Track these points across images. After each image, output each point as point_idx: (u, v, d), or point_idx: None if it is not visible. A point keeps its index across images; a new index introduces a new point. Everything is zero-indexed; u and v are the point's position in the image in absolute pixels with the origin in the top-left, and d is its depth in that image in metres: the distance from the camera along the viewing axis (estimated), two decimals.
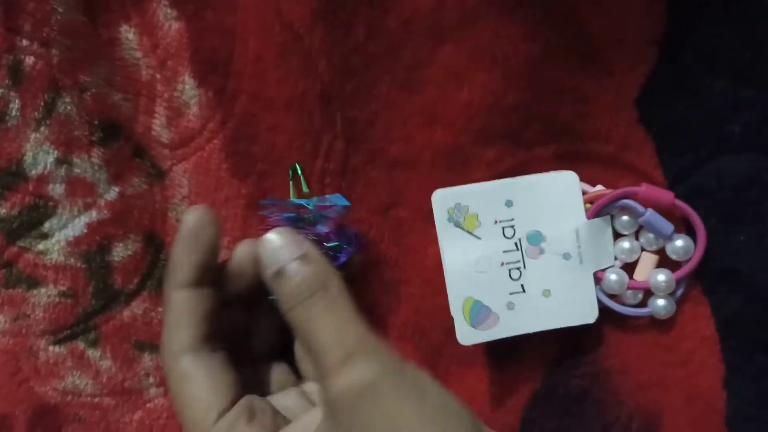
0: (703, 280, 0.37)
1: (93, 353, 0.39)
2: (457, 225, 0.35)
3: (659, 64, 0.36)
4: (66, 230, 0.38)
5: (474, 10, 0.36)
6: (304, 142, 0.37)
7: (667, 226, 0.36)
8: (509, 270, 0.35)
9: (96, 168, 0.38)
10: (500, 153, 0.37)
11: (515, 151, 0.37)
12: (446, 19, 0.36)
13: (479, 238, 0.35)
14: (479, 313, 0.35)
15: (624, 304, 0.37)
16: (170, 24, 0.37)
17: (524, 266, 0.35)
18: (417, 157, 0.37)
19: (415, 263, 0.38)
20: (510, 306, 0.35)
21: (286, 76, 0.37)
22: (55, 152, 0.38)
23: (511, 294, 0.35)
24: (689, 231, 0.36)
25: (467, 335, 0.34)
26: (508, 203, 0.35)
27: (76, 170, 0.38)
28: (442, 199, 0.35)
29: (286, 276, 0.29)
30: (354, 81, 0.37)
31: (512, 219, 0.35)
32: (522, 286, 0.35)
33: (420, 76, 0.37)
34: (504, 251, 0.35)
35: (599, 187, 0.37)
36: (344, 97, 0.37)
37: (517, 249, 0.35)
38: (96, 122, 0.37)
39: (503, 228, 0.35)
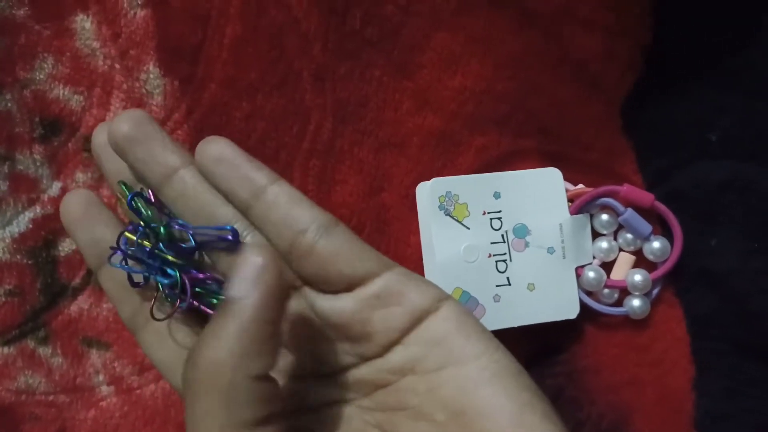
0: (677, 281, 0.37)
1: (43, 351, 0.37)
2: (447, 213, 0.35)
3: (645, 72, 0.37)
4: (11, 227, 0.36)
5: (468, 0, 0.36)
6: (292, 123, 0.36)
7: (646, 227, 0.36)
8: (496, 262, 0.35)
9: (38, 164, 0.36)
10: (487, 142, 0.37)
11: (501, 140, 0.37)
12: (442, 7, 0.36)
13: (468, 228, 0.35)
14: (467, 304, 0.34)
15: (600, 303, 0.37)
16: (135, 12, 0.36)
17: (510, 259, 0.35)
18: (405, 142, 0.37)
19: (397, 253, 0.37)
20: (496, 298, 0.35)
21: (279, 57, 0.36)
22: None
23: (497, 286, 0.35)
24: (665, 234, 0.37)
25: None
26: (496, 195, 0.35)
27: (19, 166, 0.36)
28: (436, 187, 0.34)
29: None
30: (348, 64, 0.36)
31: (500, 211, 0.35)
32: (508, 278, 0.35)
33: (414, 62, 0.36)
34: (491, 243, 0.35)
35: (580, 186, 0.37)
36: (337, 78, 0.36)
37: (504, 241, 0.35)
38: (37, 119, 0.36)
39: (491, 219, 0.35)
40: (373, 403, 0.28)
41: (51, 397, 0.37)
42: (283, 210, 0.27)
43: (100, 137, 0.30)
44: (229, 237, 0.28)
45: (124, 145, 0.28)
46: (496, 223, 0.35)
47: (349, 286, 0.27)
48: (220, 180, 0.28)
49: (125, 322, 0.31)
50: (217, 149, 0.27)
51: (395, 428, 0.27)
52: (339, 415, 0.28)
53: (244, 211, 0.28)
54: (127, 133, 0.28)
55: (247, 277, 0.24)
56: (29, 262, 0.36)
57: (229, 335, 0.24)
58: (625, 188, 0.36)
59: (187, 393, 0.24)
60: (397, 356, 0.27)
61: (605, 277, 0.37)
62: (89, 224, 0.30)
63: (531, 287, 0.35)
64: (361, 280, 0.27)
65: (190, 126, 0.36)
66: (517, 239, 0.36)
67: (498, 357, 0.26)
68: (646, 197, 0.36)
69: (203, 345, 0.24)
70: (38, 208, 0.36)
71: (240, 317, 0.24)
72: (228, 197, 0.28)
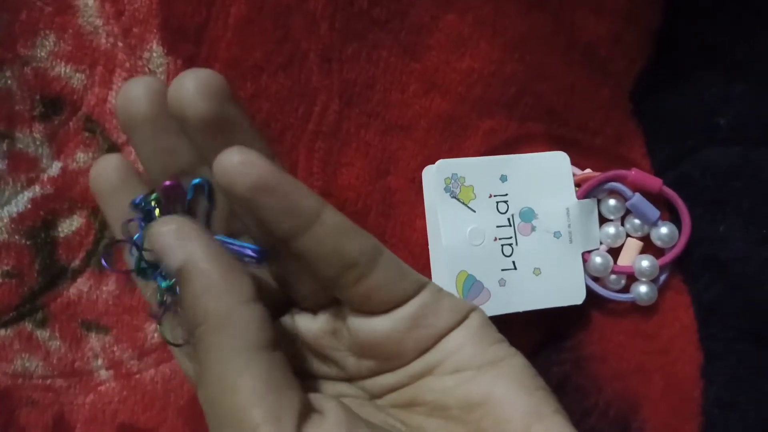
0: (685, 268, 0.37)
1: (41, 334, 0.36)
2: (453, 196, 0.34)
3: (654, 57, 0.37)
4: (9, 207, 0.36)
5: None
6: (297, 104, 0.36)
7: (653, 212, 0.36)
8: (502, 246, 0.35)
9: (38, 143, 0.36)
10: (495, 125, 0.37)
11: (509, 123, 0.37)
12: None
13: (474, 211, 0.34)
14: (472, 288, 0.34)
15: (607, 289, 0.37)
16: None
17: (516, 243, 0.35)
18: (413, 124, 0.36)
19: (403, 237, 0.37)
20: (501, 283, 0.34)
21: (285, 37, 0.35)
22: None
23: (503, 270, 0.34)
24: (673, 220, 0.37)
25: None
26: (503, 178, 0.35)
27: (19, 145, 0.35)
28: (442, 169, 0.34)
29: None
30: (355, 44, 0.36)
31: (506, 194, 0.35)
32: (513, 262, 0.35)
33: (422, 44, 0.36)
34: (497, 226, 0.35)
35: (588, 171, 0.37)
36: (344, 59, 0.36)
37: (510, 225, 0.35)
38: (37, 97, 0.35)
39: (497, 202, 0.35)
40: (387, 401, 0.28)
41: (48, 381, 0.36)
42: (331, 243, 0.25)
43: (134, 106, 0.26)
44: (253, 255, 0.27)
45: (195, 126, 0.24)
46: (503, 207, 0.35)
47: (387, 309, 0.27)
48: (259, 210, 0.24)
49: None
50: (255, 173, 0.24)
51: (409, 420, 0.27)
52: (352, 405, 0.28)
53: (284, 240, 0.25)
54: (205, 114, 0.24)
55: (171, 246, 0.24)
56: (28, 242, 0.36)
57: (200, 288, 0.23)
58: (633, 173, 0.36)
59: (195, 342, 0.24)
60: (417, 364, 0.27)
61: (612, 262, 0.36)
62: (123, 198, 0.28)
63: (537, 272, 0.35)
64: (399, 303, 0.27)
65: None
66: (523, 223, 0.35)
67: (515, 362, 0.27)
68: (654, 182, 0.36)
69: (188, 307, 0.24)
70: (37, 188, 0.36)
71: (196, 274, 0.23)
72: (265, 225, 0.25)
